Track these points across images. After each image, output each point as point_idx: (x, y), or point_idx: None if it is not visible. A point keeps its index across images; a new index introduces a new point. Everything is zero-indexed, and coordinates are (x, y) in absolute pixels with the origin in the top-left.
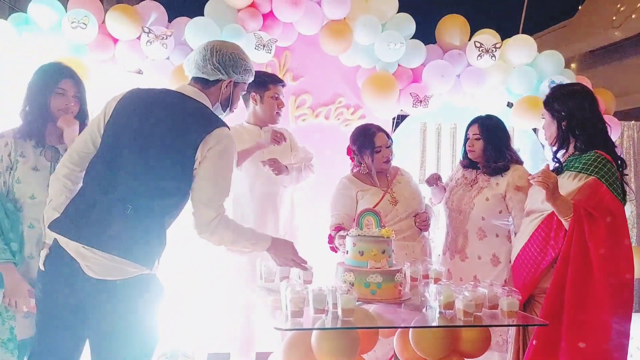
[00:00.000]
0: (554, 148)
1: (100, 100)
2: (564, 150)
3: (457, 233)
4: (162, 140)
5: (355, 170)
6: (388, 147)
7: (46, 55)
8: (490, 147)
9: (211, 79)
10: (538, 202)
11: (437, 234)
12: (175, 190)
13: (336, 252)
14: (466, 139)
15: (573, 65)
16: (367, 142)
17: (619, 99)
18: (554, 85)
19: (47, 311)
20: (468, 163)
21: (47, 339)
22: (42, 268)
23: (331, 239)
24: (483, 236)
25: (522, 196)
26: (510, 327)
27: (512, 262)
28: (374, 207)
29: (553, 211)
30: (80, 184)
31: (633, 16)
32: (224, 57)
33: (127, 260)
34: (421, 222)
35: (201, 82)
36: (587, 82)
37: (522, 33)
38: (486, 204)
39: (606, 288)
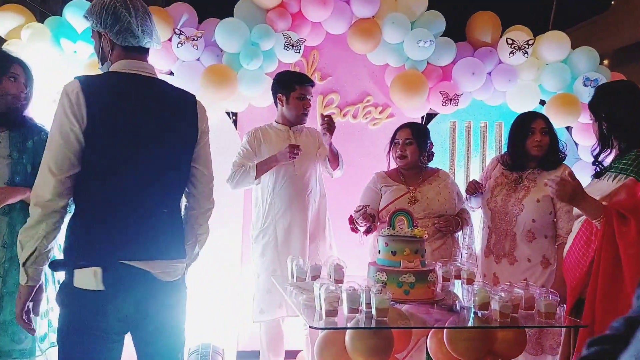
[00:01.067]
0: (596, 151)
1: None
2: (608, 152)
3: (503, 235)
4: (164, 131)
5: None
6: (407, 144)
7: (81, 59)
8: (554, 141)
9: (148, 46)
10: None
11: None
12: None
13: (357, 232)
14: (524, 134)
15: (606, 62)
16: (393, 136)
17: None
18: (597, 84)
19: (96, 331)
20: (510, 162)
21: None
22: (100, 287)
23: (351, 220)
24: (532, 238)
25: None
26: (562, 331)
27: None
28: (390, 203)
29: None
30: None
31: None
32: (149, 16)
33: (177, 259)
34: (441, 224)
35: (143, 52)
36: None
37: (552, 29)
38: (537, 205)
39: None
